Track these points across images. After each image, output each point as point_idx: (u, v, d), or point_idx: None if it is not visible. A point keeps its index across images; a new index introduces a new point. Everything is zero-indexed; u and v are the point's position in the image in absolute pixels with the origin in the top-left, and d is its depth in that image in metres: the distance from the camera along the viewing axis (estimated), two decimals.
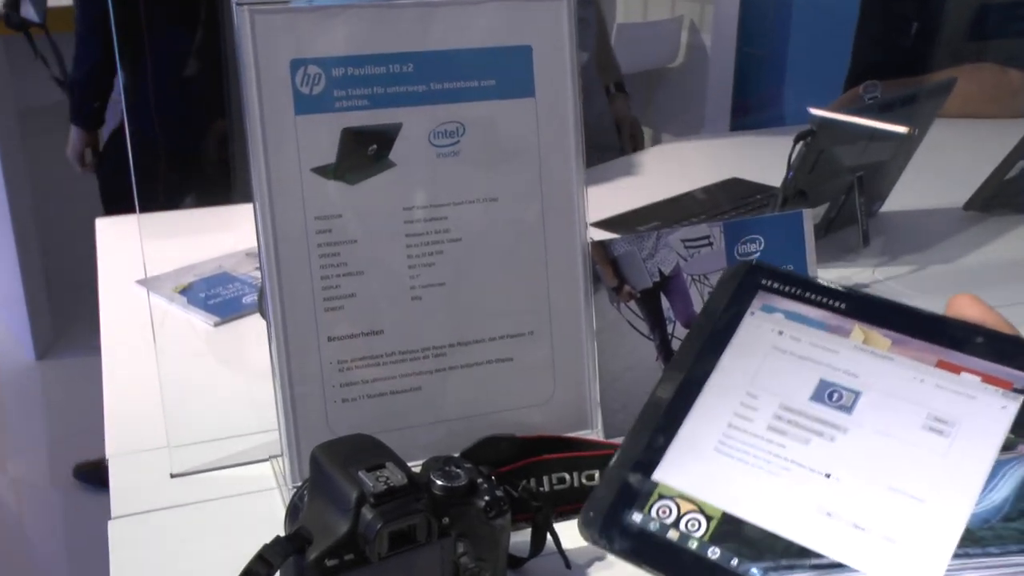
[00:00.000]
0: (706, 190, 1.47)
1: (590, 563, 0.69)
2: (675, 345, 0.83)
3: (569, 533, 0.69)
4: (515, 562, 0.67)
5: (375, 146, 0.72)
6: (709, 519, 0.41)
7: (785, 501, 0.41)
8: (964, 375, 0.42)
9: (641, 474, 0.43)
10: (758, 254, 0.86)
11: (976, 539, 0.38)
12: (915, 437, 0.41)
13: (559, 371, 0.79)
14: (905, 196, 1.35)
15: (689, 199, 1.44)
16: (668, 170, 1.67)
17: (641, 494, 0.42)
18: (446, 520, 0.60)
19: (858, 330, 0.44)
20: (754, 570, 0.39)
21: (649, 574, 0.41)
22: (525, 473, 0.72)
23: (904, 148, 1.29)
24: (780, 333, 0.45)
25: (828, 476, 0.41)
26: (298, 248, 0.71)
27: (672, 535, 0.41)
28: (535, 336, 0.78)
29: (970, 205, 1.36)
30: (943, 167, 1.49)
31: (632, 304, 0.83)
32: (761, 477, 0.42)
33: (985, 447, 0.40)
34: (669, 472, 0.43)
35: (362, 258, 0.73)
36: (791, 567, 0.39)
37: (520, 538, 0.68)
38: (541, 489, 0.72)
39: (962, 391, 0.42)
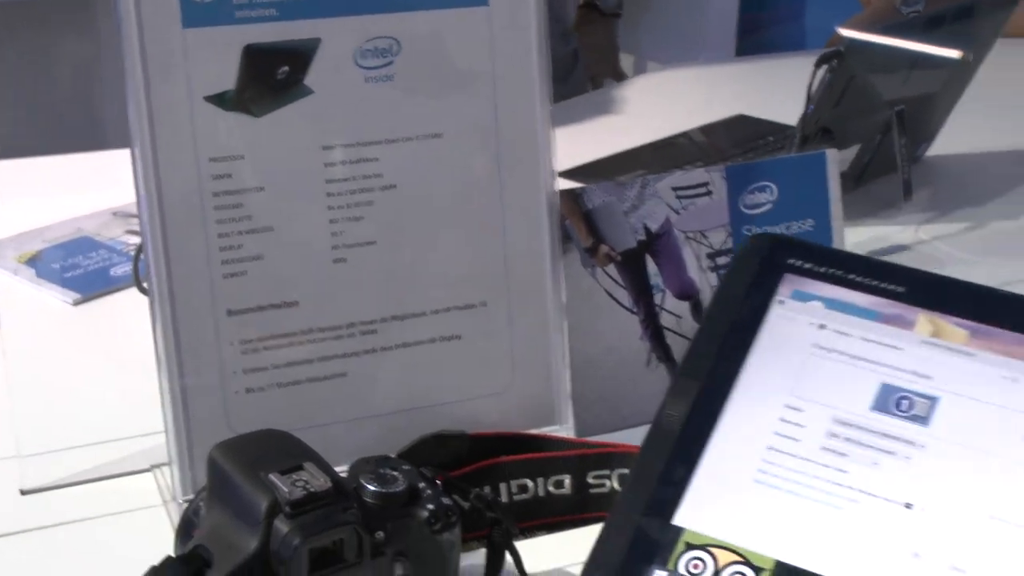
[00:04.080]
0: (705, 130, 1.51)
1: None
2: (664, 319, 0.87)
3: (533, 553, 0.73)
4: None
5: (286, 68, 0.75)
6: (758, 572, 0.43)
7: (856, 542, 0.43)
8: None
9: (658, 518, 0.44)
10: (770, 206, 0.90)
11: None
12: (1015, 452, 0.44)
13: (519, 352, 0.82)
14: (958, 136, 1.39)
15: (683, 142, 1.47)
16: (656, 106, 1.70)
17: (662, 545, 0.43)
18: (380, 535, 0.63)
19: (924, 320, 0.47)
20: None
21: None
22: (478, 479, 0.75)
23: (957, 77, 1.33)
24: (821, 327, 0.47)
25: (909, 506, 0.43)
26: (188, 198, 0.74)
27: None
28: (489, 308, 0.81)
29: None
30: (1006, 100, 1.54)
31: (611, 269, 0.86)
32: (820, 513, 0.43)
33: None
34: (696, 514, 0.44)
35: (270, 210, 0.75)
36: None
37: (472, 560, 0.71)
38: (498, 499, 0.76)
39: None
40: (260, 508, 0.60)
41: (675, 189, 0.88)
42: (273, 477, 0.61)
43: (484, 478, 0.76)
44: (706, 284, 0.88)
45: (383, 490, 0.64)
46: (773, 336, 0.47)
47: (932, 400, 0.45)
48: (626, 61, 3.25)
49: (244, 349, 0.76)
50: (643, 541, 0.44)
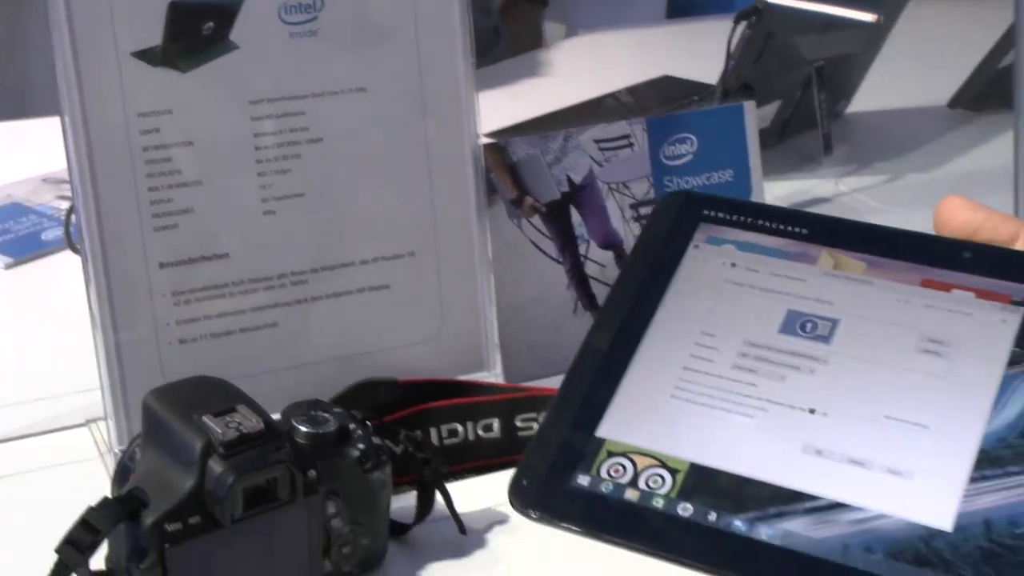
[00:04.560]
0: (631, 91, 1.53)
1: (489, 527, 0.75)
2: (589, 268, 0.90)
3: (463, 494, 0.75)
4: (399, 529, 0.73)
5: (211, 24, 0.76)
6: (674, 473, 0.46)
7: (763, 444, 0.47)
8: (955, 292, 0.49)
9: (582, 432, 0.48)
10: (690, 157, 0.92)
11: (993, 459, 0.45)
12: (908, 361, 0.48)
13: (447, 301, 0.84)
14: (876, 93, 1.43)
15: (610, 102, 1.49)
16: (584, 69, 1.72)
17: (585, 454, 0.47)
18: (313, 474, 0.65)
19: (826, 256, 0.51)
20: (737, 522, 0.45)
21: (607, 544, 0.46)
22: (409, 425, 0.77)
23: (873, 37, 1.36)
24: (733, 266, 0.51)
25: (812, 412, 0.47)
26: (118, 153, 0.75)
27: (631, 496, 0.46)
28: (417, 258, 0.83)
29: (956, 102, 1.44)
30: (922, 57, 1.57)
31: (536, 220, 0.89)
32: (731, 421, 0.47)
33: (989, 363, 0.47)
34: (617, 427, 0.48)
35: (199, 164, 0.77)
36: (781, 514, 0.45)
37: (405, 503, 0.74)
38: (428, 440, 0.78)
39: (955, 309, 0.49)
40: (194, 449, 0.62)
41: (597, 141, 0.90)
42: (207, 419, 0.63)
43: (415, 423, 0.78)
44: (629, 234, 0.91)
45: (314, 431, 0.66)
46: (689, 275, 0.52)
47: (833, 322, 0.49)
48: (556, 31, 3.28)
49: (176, 301, 0.78)
50: (568, 451, 0.47)
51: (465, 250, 0.84)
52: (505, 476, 0.79)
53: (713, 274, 0.51)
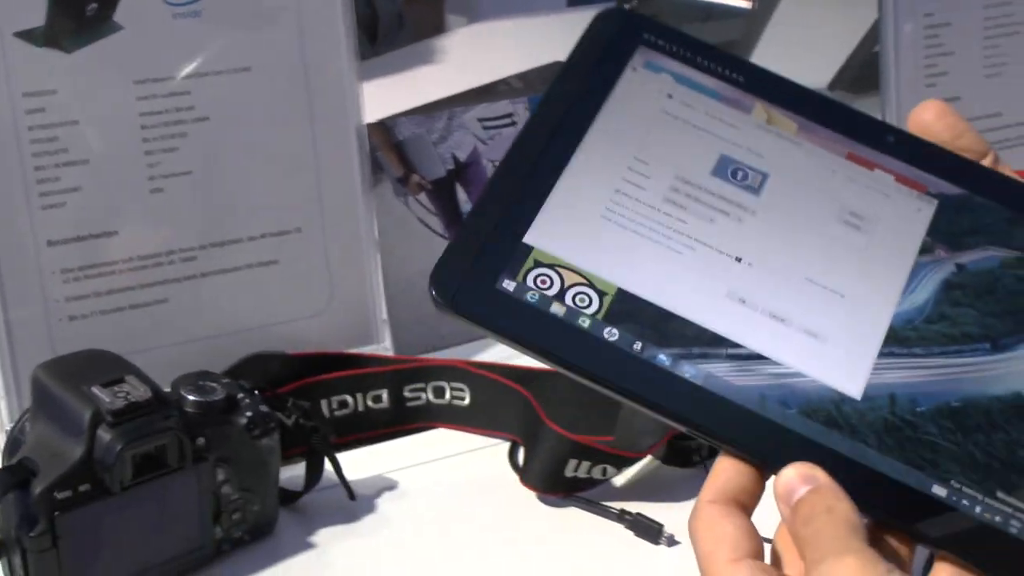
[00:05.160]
0: (522, 77, 1.55)
1: (378, 493, 0.77)
2: None
3: (352, 463, 0.77)
4: (289, 497, 0.74)
5: (95, 5, 0.77)
6: (602, 295, 0.46)
7: (691, 282, 0.47)
8: (877, 172, 0.51)
9: (509, 233, 0.47)
10: None
11: (901, 339, 0.47)
12: (831, 229, 0.49)
13: (335, 276, 0.86)
14: None
15: (502, 88, 1.51)
16: (478, 58, 1.72)
17: (511, 259, 0.46)
18: (201, 441, 0.66)
19: (760, 108, 0.51)
20: (662, 356, 0.46)
21: (524, 353, 0.46)
22: (299, 397, 0.78)
23: (753, 23, 1.40)
24: (669, 97, 0.51)
25: (739, 260, 0.48)
26: (3, 133, 0.76)
27: (557, 309, 0.46)
28: (304, 234, 0.85)
29: (836, 84, 1.48)
30: (803, 40, 1.61)
31: (423, 197, 0.91)
32: (660, 253, 0.47)
33: (903, 247, 0.49)
34: (545, 236, 0.47)
35: (86, 143, 0.78)
36: (704, 355, 0.46)
37: (295, 473, 0.75)
38: (317, 408, 0.79)
39: (876, 188, 0.50)
40: (83, 418, 0.63)
41: (481, 120, 0.92)
42: (95, 390, 0.64)
43: (305, 395, 0.79)
44: None
45: (202, 399, 0.68)
46: (625, 96, 0.51)
47: (763, 175, 0.50)
48: (458, 23, 3.28)
49: (66, 279, 0.79)
50: (493, 253, 0.46)
51: (351, 226, 0.86)
52: (395, 446, 0.82)
53: (649, 101, 0.51)
